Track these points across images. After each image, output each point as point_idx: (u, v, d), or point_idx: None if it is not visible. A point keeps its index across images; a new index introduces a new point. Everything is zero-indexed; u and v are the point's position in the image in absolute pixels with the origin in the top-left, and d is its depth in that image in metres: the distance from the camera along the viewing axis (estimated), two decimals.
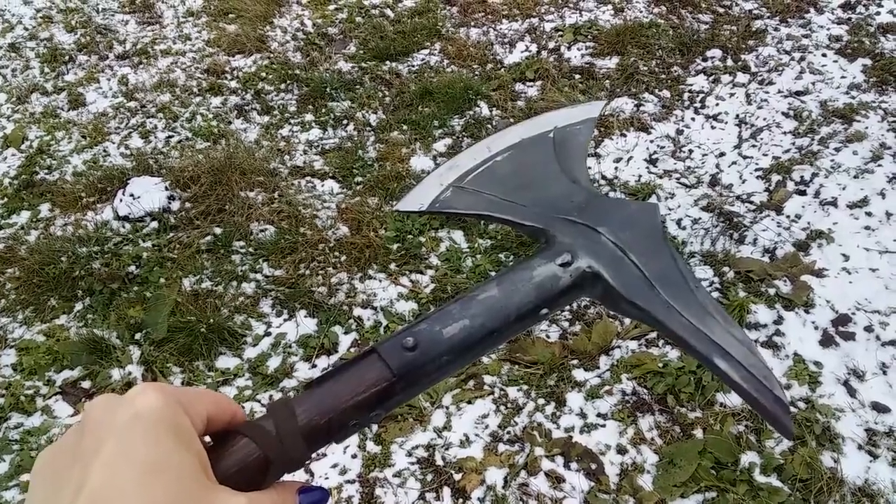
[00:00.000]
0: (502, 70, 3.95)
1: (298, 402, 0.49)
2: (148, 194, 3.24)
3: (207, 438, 0.47)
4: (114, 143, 3.71)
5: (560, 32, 4.11)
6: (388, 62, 4.10)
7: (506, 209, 0.68)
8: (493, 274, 2.91)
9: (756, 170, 3.13)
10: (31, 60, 4.40)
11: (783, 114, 3.37)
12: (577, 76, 3.82)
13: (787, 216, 2.88)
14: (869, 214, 2.79)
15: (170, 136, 3.72)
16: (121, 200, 3.24)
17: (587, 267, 0.59)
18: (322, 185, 3.39)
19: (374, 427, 2.38)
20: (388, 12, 4.50)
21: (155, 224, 3.20)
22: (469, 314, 0.54)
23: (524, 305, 0.56)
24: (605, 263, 0.60)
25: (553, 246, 0.61)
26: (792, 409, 2.25)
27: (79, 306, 2.94)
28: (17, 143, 3.77)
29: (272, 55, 4.22)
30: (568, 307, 2.71)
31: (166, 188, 3.29)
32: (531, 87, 3.81)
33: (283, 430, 0.47)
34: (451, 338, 0.53)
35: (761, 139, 3.28)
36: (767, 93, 3.51)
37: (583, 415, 2.33)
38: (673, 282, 0.59)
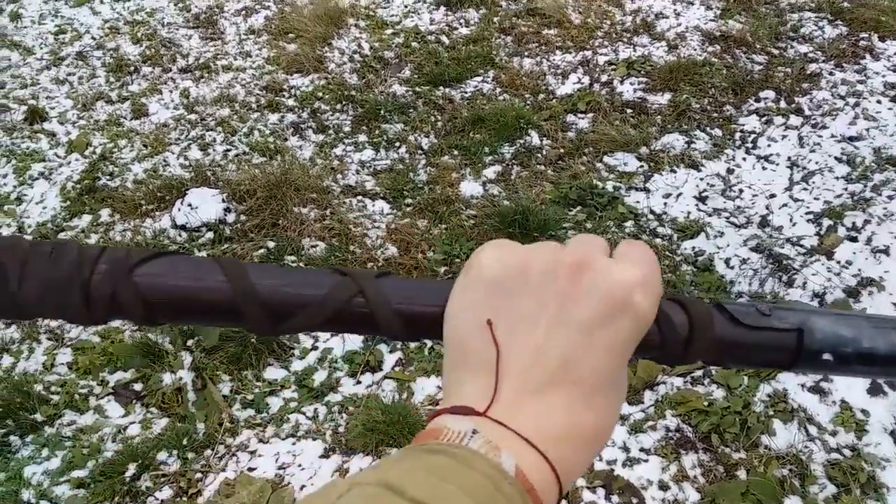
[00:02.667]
0: (554, 101, 4.00)
1: (716, 317, 0.50)
2: (205, 205, 3.34)
3: None
4: (174, 153, 3.83)
5: (613, 66, 4.15)
6: (441, 87, 4.18)
7: None
8: None
9: (807, 213, 3.13)
10: (97, 69, 4.56)
11: (836, 158, 3.37)
12: (629, 110, 3.85)
13: (838, 262, 2.87)
14: None
15: (228, 150, 3.83)
16: (179, 210, 3.34)
17: None
18: (373, 205, 3.46)
19: None
20: (444, 39, 4.59)
21: (210, 234, 3.29)
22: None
23: None
24: None
25: None
26: (837, 455, 2.24)
27: None
28: (81, 149, 3.91)
29: (329, 76, 4.32)
30: None
31: (223, 200, 3.39)
32: (582, 118, 3.86)
33: (698, 337, 0.49)
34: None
35: (813, 183, 3.28)
36: (820, 137, 3.51)
37: (626, 448, 2.35)
38: None
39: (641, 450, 2.34)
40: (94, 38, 4.85)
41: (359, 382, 2.71)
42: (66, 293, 0.47)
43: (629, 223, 3.22)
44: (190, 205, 3.35)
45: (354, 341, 2.85)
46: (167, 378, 2.75)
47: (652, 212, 3.27)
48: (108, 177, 3.72)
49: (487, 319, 0.43)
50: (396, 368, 2.76)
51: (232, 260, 0.50)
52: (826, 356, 0.50)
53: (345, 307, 0.49)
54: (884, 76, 3.83)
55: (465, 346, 0.44)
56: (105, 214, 3.50)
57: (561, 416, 0.41)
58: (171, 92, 4.31)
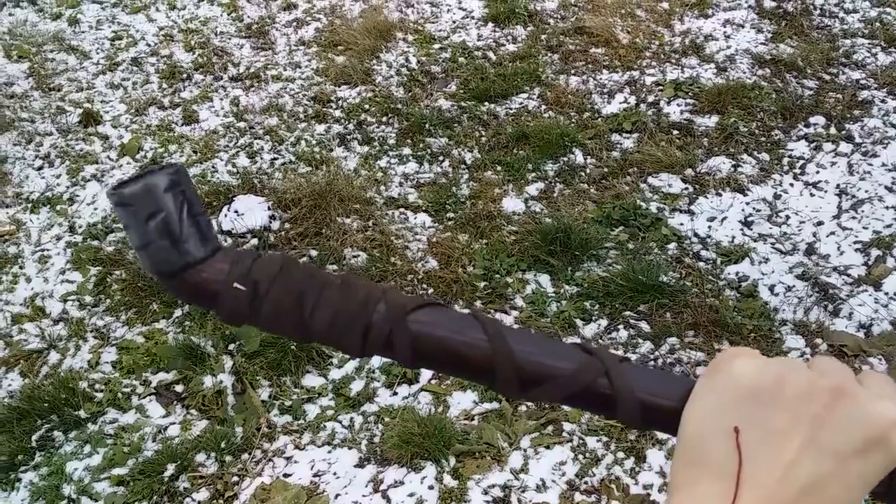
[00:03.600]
0: (599, 119, 4.00)
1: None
2: (251, 212, 3.39)
3: None
4: (222, 160, 3.91)
5: (660, 87, 4.14)
6: (486, 103, 4.20)
7: None
8: (577, 321, 2.93)
9: (855, 242, 3.08)
10: (150, 76, 4.68)
11: (886, 188, 3.31)
12: (675, 132, 3.83)
13: (886, 293, 2.82)
14: None
15: (275, 159, 3.89)
16: (225, 216, 3.40)
17: None
18: (415, 218, 3.49)
19: (452, 461, 2.42)
20: (491, 55, 4.61)
21: (255, 241, 3.34)
22: None
23: None
24: None
25: None
26: None
27: (178, 313, 3.09)
28: (132, 153, 4.01)
29: (376, 88, 4.37)
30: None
31: (268, 208, 3.45)
32: (627, 138, 3.84)
33: None
34: None
35: (862, 211, 3.22)
36: (871, 165, 3.45)
37: (663, 474, 2.32)
38: None
39: None
40: (148, 45, 4.97)
41: (395, 394, 2.73)
42: (350, 328, 0.52)
43: (672, 245, 3.19)
44: (236, 211, 3.41)
45: None
46: (208, 381, 2.79)
47: (696, 234, 3.24)
48: None
49: (735, 427, 0.44)
50: (433, 381, 2.77)
51: (490, 319, 0.53)
52: None
53: (590, 386, 0.51)
54: None
55: (705, 447, 0.45)
56: None
57: None
58: (221, 100, 4.39)
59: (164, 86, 4.57)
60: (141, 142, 4.09)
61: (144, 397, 2.80)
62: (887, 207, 3.22)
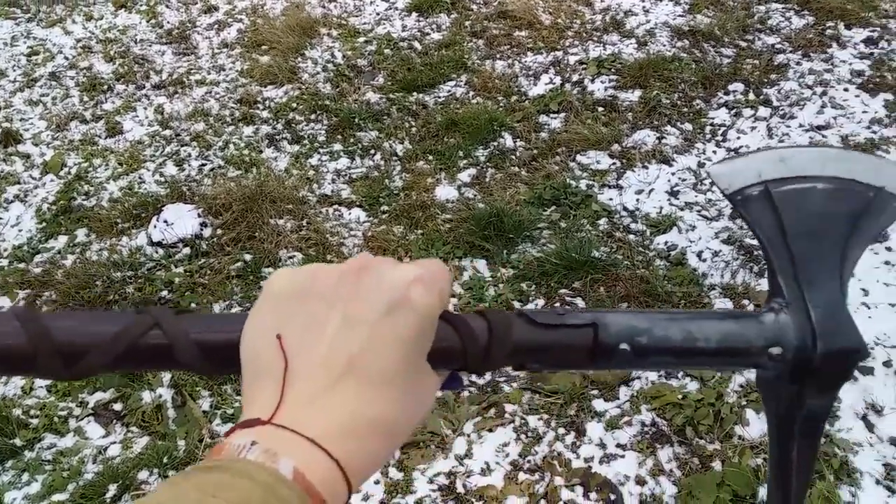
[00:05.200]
0: (527, 102, 4.02)
1: (515, 322, 0.52)
2: (181, 221, 3.34)
3: None
4: (149, 170, 3.84)
5: (584, 65, 4.18)
6: (415, 93, 4.20)
7: (779, 252, 0.58)
8: (515, 303, 2.96)
9: None
10: (70, 89, 4.56)
11: None
12: (601, 108, 3.88)
13: None
14: (889, 249, 2.81)
15: (203, 165, 3.84)
16: (155, 226, 3.35)
17: (780, 374, 0.55)
18: (349, 214, 3.48)
19: (397, 453, 2.43)
20: (416, 45, 4.61)
21: (187, 250, 3.30)
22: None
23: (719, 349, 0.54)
24: (794, 389, 0.55)
25: (778, 325, 0.55)
26: None
27: None
28: (56, 170, 3.91)
29: (303, 86, 4.34)
30: None
31: (199, 215, 3.40)
32: (555, 118, 3.88)
33: (498, 341, 0.51)
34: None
35: None
36: (789, 127, 3.55)
37: (602, 445, 2.37)
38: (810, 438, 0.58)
39: (618, 446, 2.36)
40: (66, 58, 4.85)
41: None
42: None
43: (603, 220, 3.24)
44: (166, 221, 3.35)
45: None
46: (147, 396, 2.75)
47: (625, 208, 3.29)
48: (83, 196, 3.73)
49: (277, 334, 0.45)
50: None
51: (27, 309, 0.50)
52: (623, 346, 0.52)
53: (139, 341, 0.49)
54: (850, 64, 3.87)
55: (256, 362, 0.46)
56: (81, 234, 3.50)
57: (347, 411, 0.43)
58: (145, 109, 4.31)
59: (86, 99, 4.47)
60: (64, 158, 3.99)
61: (82, 419, 2.75)
62: None
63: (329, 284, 0.47)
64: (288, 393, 0.43)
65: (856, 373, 2.42)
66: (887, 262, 2.77)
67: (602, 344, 0.52)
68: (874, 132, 3.40)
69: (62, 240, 3.49)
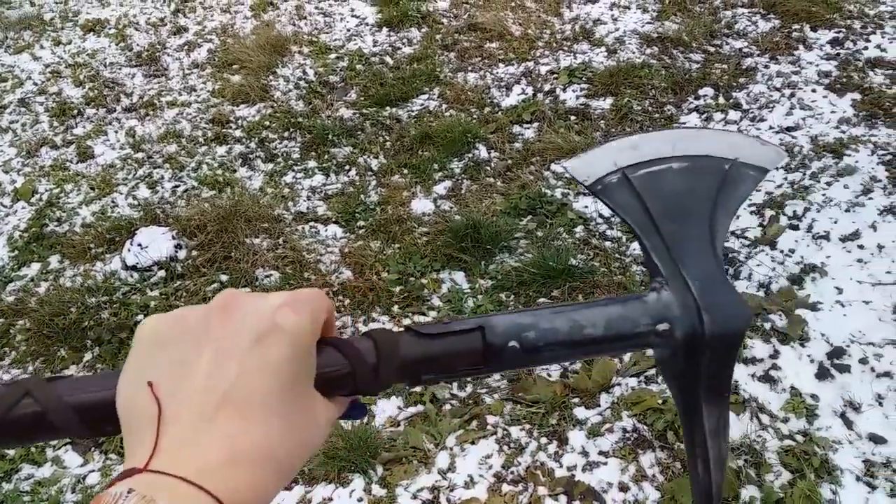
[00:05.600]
0: (500, 113, 4.04)
1: (402, 338, 0.53)
2: (155, 244, 3.31)
3: None
4: (122, 193, 3.81)
5: (555, 75, 4.21)
6: (388, 108, 4.20)
7: (649, 233, 0.61)
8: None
9: (750, 205, 3.19)
10: (40, 115, 4.52)
11: None
12: (573, 117, 3.90)
13: (781, 251, 2.93)
14: (861, 247, 2.84)
15: (176, 186, 3.81)
16: (129, 250, 3.32)
17: (674, 350, 0.56)
18: (325, 230, 3.46)
19: (380, 470, 2.41)
20: (388, 59, 4.61)
21: (162, 273, 3.27)
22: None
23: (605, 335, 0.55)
24: (689, 362, 0.56)
25: (661, 303, 0.56)
26: (790, 442, 2.28)
27: (88, 356, 3.00)
28: (27, 197, 3.87)
29: (275, 104, 4.33)
30: None
31: (173, 237, 3.37)
32: (528, 128, 3.90)
33: (385, 359, 0.51)
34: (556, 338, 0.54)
35: None
36: (759, 129, 3.58)
37: (585, 453, 2.37)
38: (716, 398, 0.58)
39: (600, 453, 2.36)
40: (35, 84, 4.81)
41: None
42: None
43: (579, 228, 3.25)
44: (140, 244, 3.32)
45: None
46: None
47: (601, 215, 3.31)
48: (55, 223, 3.69)
49: (148, 381, 0.44)
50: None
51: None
52: (512, 343, 0.53)
53: (10, 413, 0.47)
54: (817, 65, 3.92)
55: (131, 413, 0.45)
56: (54, 261, 3.46)
57: (226, 445, 0.42)
58: (116, 132, 4.28)
59: (56, 124, 4.43)
60: (35, 184, 3.95)
61: (60, 448, 2.71)
62: (777, 168, 3.34)
63: (197, 325, 0.47)
64: (163, 437, 0.42)
65: (832, 371, 2.44)
66: (860, 260, 2.80)
67: (491, 345, 0.53)
68: (843, 131, 3.44)
69: (35, 267, 3.45)
